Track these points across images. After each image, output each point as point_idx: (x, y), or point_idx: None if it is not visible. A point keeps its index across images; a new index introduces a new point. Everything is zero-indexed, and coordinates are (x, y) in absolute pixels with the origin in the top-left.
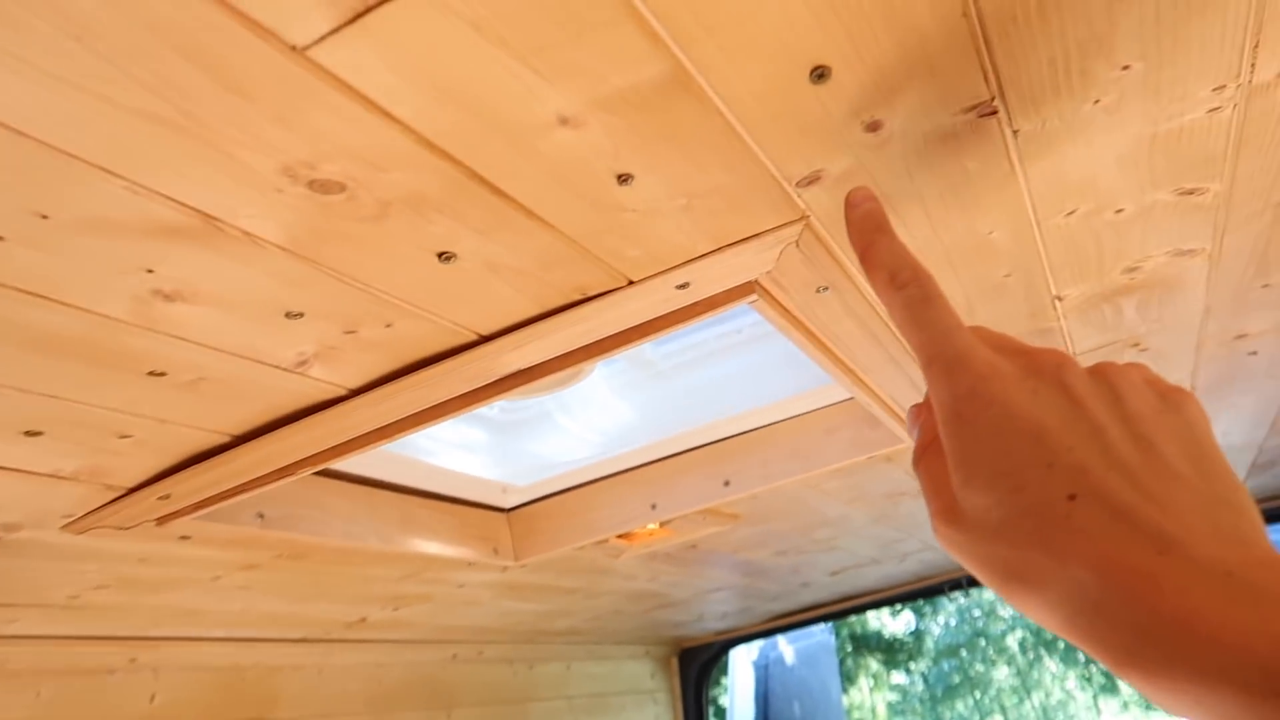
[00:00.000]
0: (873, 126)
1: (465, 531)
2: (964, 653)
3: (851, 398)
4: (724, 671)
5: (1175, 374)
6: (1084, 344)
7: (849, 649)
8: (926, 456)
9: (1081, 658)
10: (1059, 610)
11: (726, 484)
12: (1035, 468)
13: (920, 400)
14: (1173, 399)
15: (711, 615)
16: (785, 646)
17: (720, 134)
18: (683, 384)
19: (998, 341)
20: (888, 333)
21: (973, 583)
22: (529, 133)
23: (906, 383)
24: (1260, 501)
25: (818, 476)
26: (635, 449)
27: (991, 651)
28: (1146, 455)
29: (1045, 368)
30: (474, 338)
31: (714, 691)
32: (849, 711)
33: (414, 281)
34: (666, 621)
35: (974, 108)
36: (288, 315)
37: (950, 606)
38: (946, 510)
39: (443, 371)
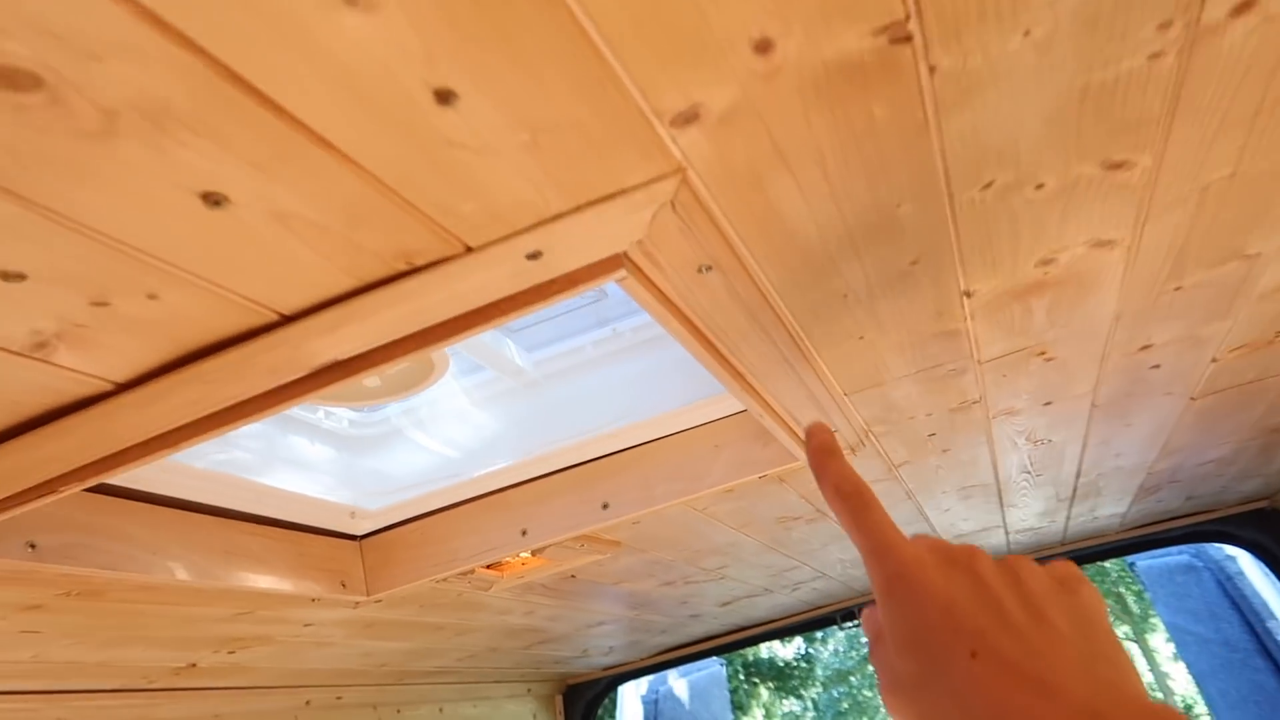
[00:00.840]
0: (762, 46)
1: (306, 563)
2: (853, 679)
3: (742, 411)
4: (613, 708)
5: (1078, 388)
6: (991, 349)
7: (741, 677)
8: (877, 647)
9: None
10: None
11: (605, 507)
12: (946, 632)
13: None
14: (1069, 584)
15: (597, 650)
16: (676, 680)
17: (570, 41)
18: (556, 395)
19: (925, 541)
20: (781, 330)
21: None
22: (302, 12)
23: (803, 393)
24: (1141, 527)
25: (705, 499)
26: (503, 468)
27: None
28: (1038, 623)
29: (959, 557)
30: (273, 317)
31: None
32: None
33: (175, 233)
34: (549, 657)
35: (885, 29)
36: (3, 277)
37: (840, 633)
38: (890, 681)
39: (236, 360)
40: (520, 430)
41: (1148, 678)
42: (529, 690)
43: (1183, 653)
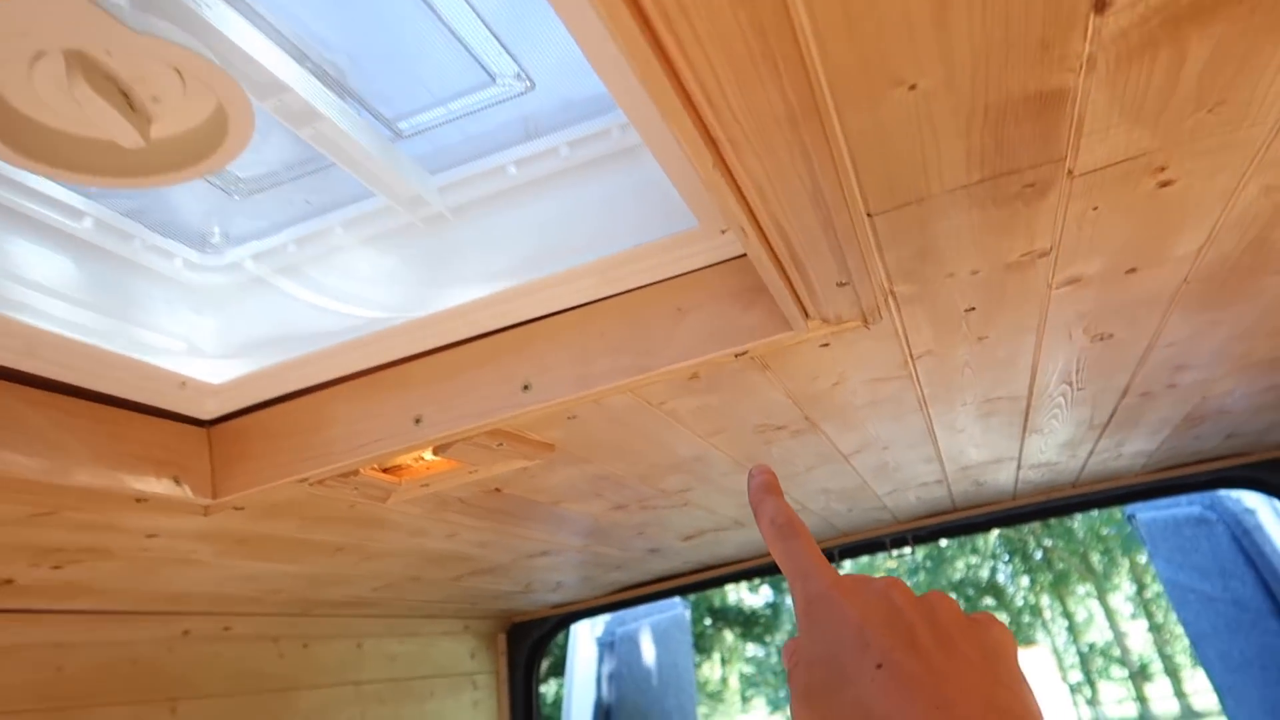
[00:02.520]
0: None
1: (121, 448)
2: None
3: (717, 263)
4: (565, 649)
5: (1183, 244)
6: (1097, 149)
7: (706, 622)
8: (795, 672)
9: None
10: None
11: (526, 388)
12: (856, 648)
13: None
14: (982, 621)
15: (543, 585)
16: (635, 621)
17: None
18: (467, 234)
19: (851, 574)
20: (783, 26)
21: (844, 555)
22: None
23: (804, 195)
24: (1164, 470)
25: (663, 388)
26: (391, 330)
27: None
28: (945, 648)
29: (877, 586)
30: None
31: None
32: (701, 686)
33: None
34: (486, 591)
35: None
36: None
37: None
38: (802, 690)
39: None
40: (417, 282)
41: (1107, 637)
42: (466, 627)
43: (1181, 612)
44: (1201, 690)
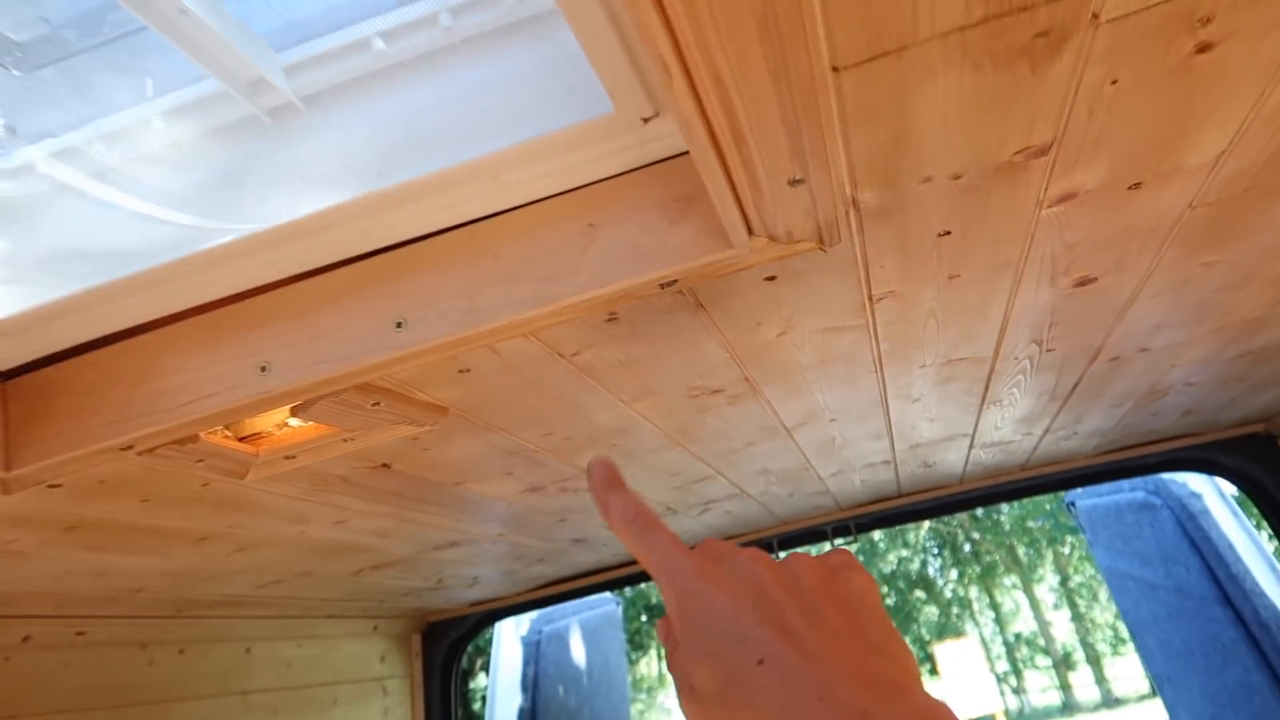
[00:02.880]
0: None
1: None
2: None
3: (639, 168)
4: (489, 650)
5: (1203, 149)
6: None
7: (643, 619)
8: (674, 655)
9: None
10: None
11: (399, 326)
12: (734, 643)
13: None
14: (840, 572)
15: (458, 581)
16: (563, 619)
17: None
18: (324, 130)
19: (712, 550)
20: None
21: (783, 546)
22: None
23: (752, 17)
24: (1114, 451)
25: (575, 333)
26: (229, 251)
27: None
28: (814, 623)
29: (742, 564)
30: None
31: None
32: (637, 683)
33: None
34: (394, 588)
35: None
36: None
37: None
38: (688, 691)
39: None
40: (261, 191)
41: (1031, 627)
42: (375, 628)
43: (1120, 600)
44: (1122, 678)
